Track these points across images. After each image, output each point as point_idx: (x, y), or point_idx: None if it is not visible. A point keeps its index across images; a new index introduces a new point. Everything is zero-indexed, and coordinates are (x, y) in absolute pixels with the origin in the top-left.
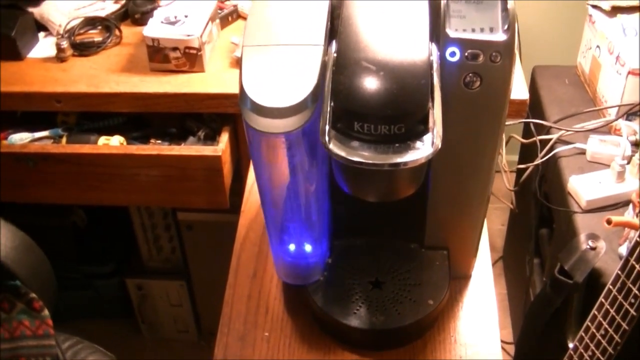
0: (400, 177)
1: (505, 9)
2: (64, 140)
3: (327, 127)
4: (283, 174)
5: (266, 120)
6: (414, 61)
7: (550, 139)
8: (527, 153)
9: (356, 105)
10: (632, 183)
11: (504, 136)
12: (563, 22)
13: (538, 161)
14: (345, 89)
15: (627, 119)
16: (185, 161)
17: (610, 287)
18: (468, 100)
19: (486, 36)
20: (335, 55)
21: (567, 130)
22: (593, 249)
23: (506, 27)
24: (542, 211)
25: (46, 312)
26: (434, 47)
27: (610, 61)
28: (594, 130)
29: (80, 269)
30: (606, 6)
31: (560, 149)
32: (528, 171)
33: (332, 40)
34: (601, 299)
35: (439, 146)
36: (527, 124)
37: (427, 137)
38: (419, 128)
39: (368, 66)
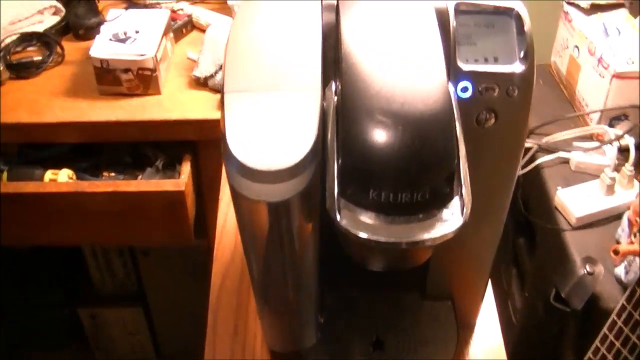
0: (418, 250)
1: (521, 31)
2: (4, 176)
3: (335, 196)
4: (275, 242)
5: (258, 186)
6: (435, 108)
7: (530, 147)
8: None
9: (373, 167)
10: (623, 195)
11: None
12: (533, 17)
13: (519, 172)
14: (358, 148)
15: (610, 125)
16: (144, 197)
17: (615, 318)
18: (480, 138)
19: (501, 68)
20: (338, 101)
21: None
22: (591, 273)
23: (523, 54)
24: (519, 219)
25: None
26: (451, 87)
27: (592, 63)
28: (577, 138)
29: (25, 298)
30: (585, 4)
31: (542, 159)
32: None
33: (331, 81)
34: (605, 330)
35: (469, 215)
36: None
37: (454, 203)
38: (445, 191)
39: (383, 119)
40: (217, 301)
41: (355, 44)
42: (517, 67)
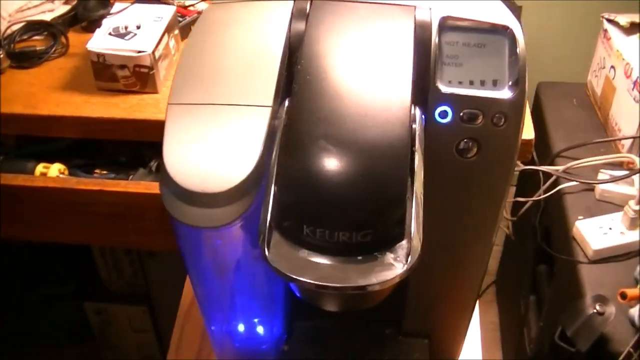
0: (365, 295)
1: (513, 53)
2: None
3: (266, 228)
4: (220, 269)
5: (194, 210)
6: (390, 139)
7: (555, 171)
8: (526, 180)
9: (307, 202)
10: None
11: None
12: (573, 34)
13: (540, 197)
14: (295, 178)
15: None
16: (132, 199)
17: None
18: (461, 170)
19: (487, 92)
20: (285, 121)
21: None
22: (601, 314)
23: (514, 79)
24: (541, 247)
25: None
26: (417, 111)
27: (627, 85)
28: (605, 165)
29: (38, 291)
30: (623, 21)
31: (565, 185)
32: (527, 206)
33: (287, 98)
34: None
35: (416, 262)
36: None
37: (402, 246)
38: (391, 233)
39: (327, 147)
40: (184, 319)
41: (314, 59)
42: (505, 94)
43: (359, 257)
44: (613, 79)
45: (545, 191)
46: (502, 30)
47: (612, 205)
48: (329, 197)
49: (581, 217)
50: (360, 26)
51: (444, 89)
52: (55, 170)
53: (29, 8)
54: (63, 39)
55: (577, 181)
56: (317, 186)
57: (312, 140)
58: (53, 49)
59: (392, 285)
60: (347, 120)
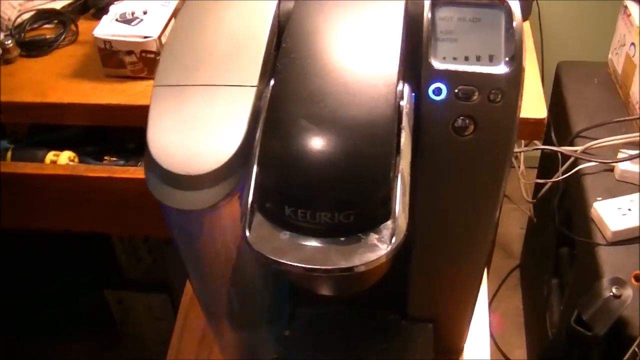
0: (351, 278)
1: (509, 27)
2: (8, 155)
3: (247, 209)
4: (208, 253)
5: (178, 193)
6: (372, 116)
7: (573, 151)
8: (547, 162)
9: (288, 182)
10: None
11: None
12: (594, 12)
13: (558, 178)
14: (275, 158)
15: None
16: (141, 185)
17: (637, 349)
18: (458, 149)
19: (483, 68)
20: (268, 103)
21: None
22: (617, 297)
23: (511, 55)
24: (562, 229)
25: None
26: (406, 88)
27: None
28: (625, 145)
29: (58, 280)
30: None
31: (584, 165)
32: (546, 187)
33: (271, 78)
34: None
35: (401, 243)
36: (547, 129)
37: (386, 226)
38: (375, 214)
39: (308, 126)
40: (189, 305)
41: (300, 37)
42: (501, 69)
43: (342, 239)
44: (633, 56)
45: (564, 172)
46: (499, 4)
47: (633, 185)
48: (309, 177)
49: (600, 199)
50: (349, 3)
51: (437, 65)
52: (65, 157)
53: None
54: (73, 27)
55: (594, 161)
56: (298, 166)
57: (293, 120)
58: (63, 37)
59: (377, 267)
60: (330, 99)
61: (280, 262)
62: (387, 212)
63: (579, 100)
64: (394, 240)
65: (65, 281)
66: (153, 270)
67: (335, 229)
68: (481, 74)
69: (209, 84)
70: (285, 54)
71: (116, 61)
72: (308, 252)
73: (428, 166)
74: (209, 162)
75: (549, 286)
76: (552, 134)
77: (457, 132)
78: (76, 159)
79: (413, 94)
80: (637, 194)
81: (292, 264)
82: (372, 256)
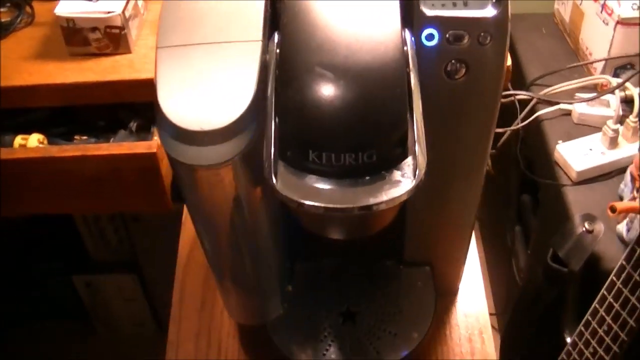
0: (374, 215)
1: None
2: None
3: (272, 159)
4: (220, 210)
5: (194, 149)
6: (384, 60)
7: (530, 99)
8: (504, 112)
9: (310, 129)
10: (627, 149)
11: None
12: None
13: (517, 125)
14: (295, 107)
15: (615, 75)
16: (115, 161)
17: (614, 278)
18: (451, 92)
19: (472, 12)
20: (278, 54)
21: (549, 90)
22: (590, 232)
23: None
24: (524, 176)
25: None
26: (407, 34)
27: (595, 9)
28: (580, 89)
29: (30, 268)
30: None
31: (543, 111)
32: (506, 135)
33: (274, 32)
34: (603, 291)
35: (423, 176)
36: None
37: (407, 163)
38: (396, 152)
39: (323, 73)
40: (183, 271)
41: None
42: (489, 12)
43: (367, 178)
44: (580, 4)
45: (523, 119)
46: None
47: (591, 127)
48: (332, 121)
49: (561, 142)
50: None
51: (428, 11)
52: (35, 140)
53: None
54: (28, 9)
55: (555, 102)
56: (319, 112)
57: (307, 68)
58: (19, 20)
59: (400, 203)
60: (341, 47)
61: (311, 204)
62: (405, 150)
63: (530, 50)
64: (417, 174)
65: (36, 269)
66: (120, 250)
67: (360, 169)
68: (470, 18)
69: (213, 42)
70: (289, 8)
71: (80, 39)
72: (337, 193)
73: (422, 111)
74: (222, 117)
75: (512, 235)
76: (509, 84)
77: (448, 76)
78: (45, 141)
79: (412, 39)
80: (597, 134)
81: (322, 205)
82: (398, 191)
